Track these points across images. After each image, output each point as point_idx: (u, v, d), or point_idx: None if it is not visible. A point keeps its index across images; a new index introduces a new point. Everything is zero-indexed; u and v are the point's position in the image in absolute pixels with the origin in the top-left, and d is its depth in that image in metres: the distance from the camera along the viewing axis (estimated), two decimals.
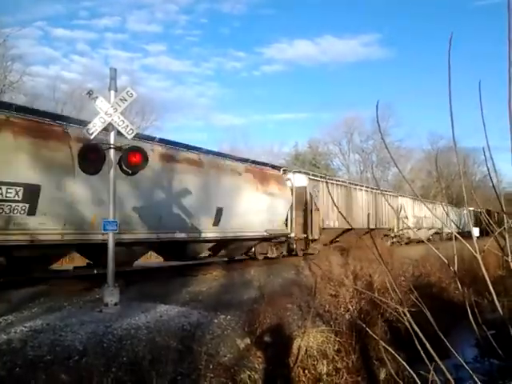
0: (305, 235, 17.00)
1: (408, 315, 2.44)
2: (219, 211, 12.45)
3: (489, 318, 2.96)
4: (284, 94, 79.31)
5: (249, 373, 5.51)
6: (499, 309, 2.38)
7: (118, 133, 7.04)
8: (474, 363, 6.38)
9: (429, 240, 26.11)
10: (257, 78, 74.75)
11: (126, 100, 6.94)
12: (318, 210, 17.48)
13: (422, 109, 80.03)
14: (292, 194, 16.49)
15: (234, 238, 13.43)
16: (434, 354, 2.33)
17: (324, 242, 18.34)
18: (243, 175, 14.02)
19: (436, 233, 31.14)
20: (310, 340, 6.77)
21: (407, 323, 2.43)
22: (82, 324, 5.85)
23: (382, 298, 5.29)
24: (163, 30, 71.08)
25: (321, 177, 19.41)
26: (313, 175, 18.82)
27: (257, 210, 14.01)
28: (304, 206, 17.07)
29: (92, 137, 6.80)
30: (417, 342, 2.35)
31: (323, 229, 17.82)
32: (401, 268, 11.45)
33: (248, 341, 6.26)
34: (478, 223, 26.47)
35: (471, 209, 27.21)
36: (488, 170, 2.32)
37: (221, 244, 13.54)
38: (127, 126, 6.94)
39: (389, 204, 24.03)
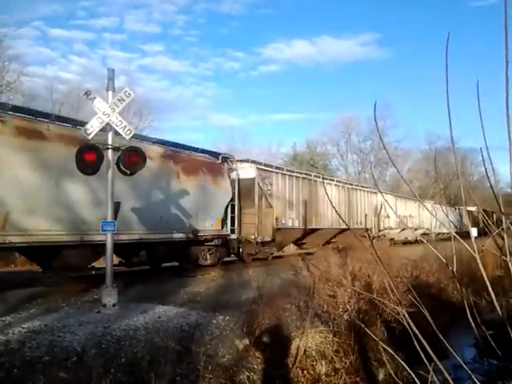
0: (253, 237, 14.23)
1: (406, 316, 2.44)
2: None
3: (487, 319, 2.96)
4: (282, 94, 79.45)
5: (248, 373, 5.50)
6: (498, 309, 2.39)
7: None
8: (472, 363, 6.38)
9: (416, 242, 24.57)
10: (255, 78, 74.86)
11: (123, 100, 6.93)
12: (271, 207, 14.93)
13: (419, 109, 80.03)
14: (234, 186, 13.71)
15: (139, 241, 10.47)
16: (432, 355, 2.34)
17: (281, 245, 16.22)
18: (158, 161, 11.10)
19: (424, 233, 28.35)
20: (309, 340, 6.76)
21: (406, 324, 2.43)
22: (80, 325, 5.84)
23: (381, 298, 5.30)
24: (161, 31, 71.26)
25: (276, 168, 16.72)
26: (264, 165, 15.88)
27: (178, 206, 11.37)
28: (252, 201, 14.35)
29: (90, 137, 6.79)
30: (416, 343, 2.35)
31: (278, 229, 15.19)
32: (400, 268, 11.47)
33: (247, 341, 6.26)
34: (475, 223, 26.26)
35: (473, 209, 26.24)
36: (486, 170, 2.32)
37: (131, 249, 10.77)
38: (125, 126, 6.93)
39: (382, 196, 21.08)
